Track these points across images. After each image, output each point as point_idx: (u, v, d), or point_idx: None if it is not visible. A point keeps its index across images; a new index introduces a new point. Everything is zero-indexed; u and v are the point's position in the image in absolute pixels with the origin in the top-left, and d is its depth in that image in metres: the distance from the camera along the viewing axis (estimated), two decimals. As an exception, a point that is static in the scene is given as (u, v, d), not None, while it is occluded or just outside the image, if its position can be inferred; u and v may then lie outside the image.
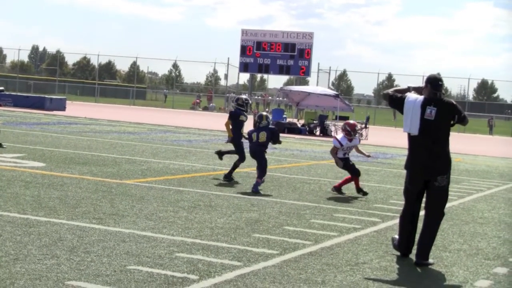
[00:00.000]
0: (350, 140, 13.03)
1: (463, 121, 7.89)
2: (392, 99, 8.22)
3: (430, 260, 7.77)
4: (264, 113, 13.21)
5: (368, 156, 13.89)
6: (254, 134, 12.88)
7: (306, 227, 9.25)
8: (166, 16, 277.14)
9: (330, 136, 35.95)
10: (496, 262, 8.12)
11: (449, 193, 8.04)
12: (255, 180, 12.56)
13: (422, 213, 8.02)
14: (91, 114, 38.67)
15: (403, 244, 8.04)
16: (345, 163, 13.02)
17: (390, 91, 8.35)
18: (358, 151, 13.51)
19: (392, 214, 10.86)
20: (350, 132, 12.99)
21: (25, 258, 6.61)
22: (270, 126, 13.00)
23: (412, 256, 7.92)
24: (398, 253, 8.08)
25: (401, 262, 7.78)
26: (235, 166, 13.83)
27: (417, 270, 7.55)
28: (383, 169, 16.68)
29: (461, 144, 32.02)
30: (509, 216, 11.82)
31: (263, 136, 12.82)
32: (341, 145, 12.99)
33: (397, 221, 9.01)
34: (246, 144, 13.63)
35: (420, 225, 8.00)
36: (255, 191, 12.17)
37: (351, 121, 13.74)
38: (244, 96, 14.77)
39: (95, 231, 8.02)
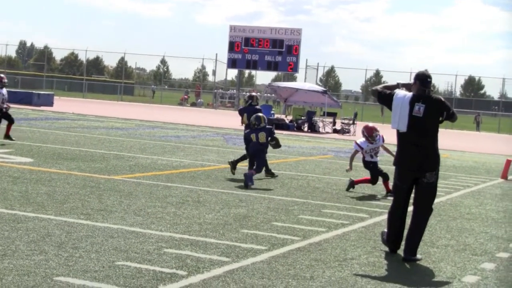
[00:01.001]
0: (371, 143, 12.97)
1: (451, 118, 7.91)
2: (380, 95, 8.23)
3: (418, 256, 7.79)
4: (261, 114, 13.45)
5: None
6: (253, 135, 13.13)
7: (294, 223, 9.26)
8: (155, 12, 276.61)
9: (318, 132, 36.04)
10: (484, 257, 8.16)
11: (437, 189, 8.06)
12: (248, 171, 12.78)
13: (410, 209, 8.05)
14: (78, 109, 38.54)
15: (391, 240, 8.06)
16: (373, 166, 12.96)
17: (379, 87, 8.36)
18: (386, 150, 13.38)
19: (380, 210, 10.89)
20: (368, 137, 12.92)
21: (13, 254, 6.58)
22: (267, 126, 13.31)
23: (400, 251, 7.94)
24: (387, 249, 8.10)
25: (389, 258, 7.80)
26: (244, 157, 14.15)
27: (405, 266, 7.57)
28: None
29: (449, 140, 32.13)
30: (496, 212, 11.87)
31: (262, 136, 13.13)
32: (361, 148, 12.96)
33: (385, 216, 9.04)
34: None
35: (408, 221, 8.03)
36: (246, 179, 12.30)
37: (370, 125, 13.39)
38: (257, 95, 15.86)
39: (83, 227, 8.00)
